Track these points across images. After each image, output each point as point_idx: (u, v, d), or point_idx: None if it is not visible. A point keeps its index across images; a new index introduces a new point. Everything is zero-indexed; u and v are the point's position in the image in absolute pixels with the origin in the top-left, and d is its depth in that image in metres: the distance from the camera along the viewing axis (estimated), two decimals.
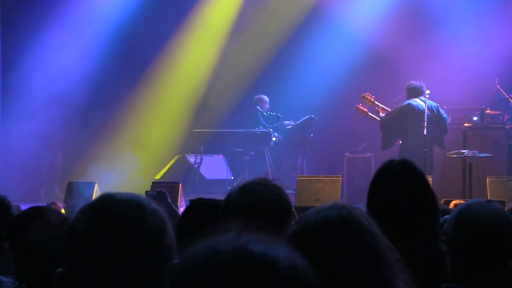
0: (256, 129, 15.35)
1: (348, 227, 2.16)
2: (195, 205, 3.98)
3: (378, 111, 13.24)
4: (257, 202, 3.09)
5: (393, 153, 12.48)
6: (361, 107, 13.37)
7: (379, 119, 13.13)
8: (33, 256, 3.26)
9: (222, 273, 1.36)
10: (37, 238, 3.28)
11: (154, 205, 2.01)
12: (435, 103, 12.93)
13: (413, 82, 13.08)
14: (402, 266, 2.18)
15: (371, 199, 3.61)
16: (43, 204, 10.07)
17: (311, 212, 2.23)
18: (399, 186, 3.54)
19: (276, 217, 3.05)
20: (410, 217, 3.40)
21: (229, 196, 3.22)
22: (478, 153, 12.92)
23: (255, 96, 15.78)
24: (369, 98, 13.44)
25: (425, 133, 12.35)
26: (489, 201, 3.26)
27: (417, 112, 12.66)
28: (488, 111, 14.40)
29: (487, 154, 13.03)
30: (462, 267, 3.16)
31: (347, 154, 14.92)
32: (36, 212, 3.70)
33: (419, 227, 3.43)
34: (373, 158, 14.68)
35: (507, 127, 14.26)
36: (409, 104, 12.80)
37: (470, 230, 3.13)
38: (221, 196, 3.84)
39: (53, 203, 9.48)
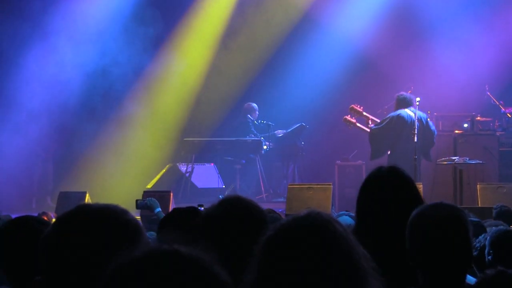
0: (247, 138, 15.34)
1: (323, 234, 2.14)
2: None
3: (368, 121, 13.27)
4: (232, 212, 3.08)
5: (383, 161, 12.52)
6: (349, 118, 13.41)
7: (368, 130, 13.17)
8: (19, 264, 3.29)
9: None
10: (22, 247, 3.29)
11: (129, 215, 2.05)
12: (424, 114, 13.01)
13: (403, 93, 13.15)
14: (377, 274, 2.16)
15: (361, 205, 3.61)
16: (35, 214, 10.11)
17: (287, 218, 2.22)
18: (388, 192, 3.54)
19: (251, 226, 3.03)
20: (398, 222, 3.36)
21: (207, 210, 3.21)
22: (469, 159, 12.93)
23: (245, 105, 15.78)
24: (357, 109, 13.47)
25: (415, 140, 12.40)
26: (443, 204, 3.24)
27: (407, 122, 12.74)
28: (478, 118, 14.43)
29: (478, 161, 13.03)
30: (422, 275, 3.18)
31: (338, 162, 14.93)
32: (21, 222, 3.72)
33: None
34: (364, 166, 14.68)
35: (498, 133, 14.30)
36: (399, 114, 12.86)
37: (420, 239, 3.16)
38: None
39: (43, 213, 9.50)
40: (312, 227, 2.15)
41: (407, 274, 3.22)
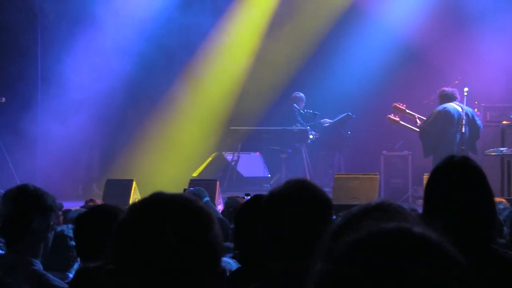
0: (293, 127, 15.34)
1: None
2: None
3: (416, 121, 13.20)
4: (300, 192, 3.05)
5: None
6: (392, 117, 13.37)
7: (413, 128, 13.13)
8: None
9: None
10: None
11: (201, 203, 2.05)
12: (470, 109, 12.93)
13: (445, 89, 13.10)
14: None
15: (429, 192, 3.54)
16: (82, 201, 10.22)
17: (356, 208, 2.18)
18: (460, 181, 3.46)
19: (318, 207, 3.03)
20: (471, 213, 3.36)
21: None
22: None
23: (292, 94, 15.77)
24: (400, 107, 13.42)
25: (463, 130, 12.34)
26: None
27: (454, 116, 12.68)
28: None
29: None
30: None
31: (384, 152, 14.88)
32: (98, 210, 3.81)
33: (480, 225, 3.38)
34: (410, 156, 14.62)
35: None
36: (445, 108, 12.80)
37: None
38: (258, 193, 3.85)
39: (91, 200, 9.58)
40: (384, 218, 1.95)
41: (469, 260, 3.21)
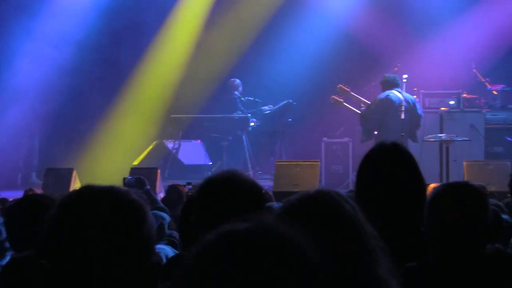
0: (234, 114, 15.33)
1: (333, 214, 2.14)
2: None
3: (360, 104, 13.29)
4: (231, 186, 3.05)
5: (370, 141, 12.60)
6: (336, 98, 13.43)
7: (355, 110, 13.22)
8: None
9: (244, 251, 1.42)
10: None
11: (133, 195, 2.04)
12: (411, 96, 13.07)
13: (387, 75, 13.19)
14: (386, 254, 2.16)
15: (360, 179, 3.57)
16: (21, 191, 10.07)
17: (294, 197, 2.21)
18: (390, 167, 3.51)
19: (251, 199, 3.03)
20: (401, 199, 3.40)
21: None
22: (455, 137, 12.96)
23: (229, 82, 15.75)
24: (345, 88, 13.50)
25: (402, 117, 12.45)
26: (467, 183, 3.34)
27: (394, 103, 12.79)
28: (464, 95, 14.44)
29: (464, 138, 13.06)
30: (438, 249, 3.23)
31: (324, 139, 14.93)
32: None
33: (409, 211, 3.43)
34: (351, 143, 14.69)
35: (484, 111, 14.33)
36: (387, 96, 12.91)
37: (444, 214, 3.21)
38: (199, 181, 3.84)
39: (30, 189, 9.45)
40: (321, 207, 2.15)
41: (406, 250, 3.25)
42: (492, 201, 6.83)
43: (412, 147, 13.04)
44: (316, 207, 2.15)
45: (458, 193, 3.24)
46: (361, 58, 16.05)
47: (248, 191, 3.04)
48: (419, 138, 13.15)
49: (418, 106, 13.14)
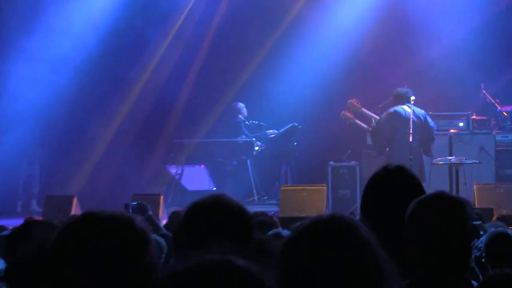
0: (239, 139, 15.21)
1: (347, 238, 2.12)
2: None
3: (371, 120, 13.04)
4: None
5: (379, 161, 12.28)
6: (347, 114, 13.16)
7: (366, 126, 13.00)
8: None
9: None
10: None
11: (137, 222, 2.06)
12: (422, 110, 12.82)
13: (399, 89, 12.95)
14: (398, 278, 2.17)
15: (365, 203, 3.62)
16: (21, 219, 9.85)
17: (307, 221, 2.18)
18: (394, 191, 3.55)
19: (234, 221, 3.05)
20: (402, 222, 3.30)
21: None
22: (465, 159, 12.79)
23: (232, 105, 15.64)
24: (355, 104, 13.23)
25: (410, 140, 12.22)
26: (442, 193, 3.19)
27: (403, 119, 12.53)
28: (474, 117, 14.36)
29: (474, 161, 12.93)
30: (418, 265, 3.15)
31: (331, 162, 14.69)
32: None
33: None
34: (358, 167, 14.47)
35: (494, 132, 14.19)
36: (395, 111, 12.67)
37: (422, 228, 3.14)
38: None
39: (30, 217, 9.25)
40: (336, 232, 2.12)
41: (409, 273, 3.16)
42: (498, 223, 6.70)
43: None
44: (331, 230, 2.13)
45: (435, 206, 3.14)
46: (366, 79, 15.98)
47: (235, 214, 3.05)
48: (428, 162, 12.92)
49: (429, 119, 12.87)
